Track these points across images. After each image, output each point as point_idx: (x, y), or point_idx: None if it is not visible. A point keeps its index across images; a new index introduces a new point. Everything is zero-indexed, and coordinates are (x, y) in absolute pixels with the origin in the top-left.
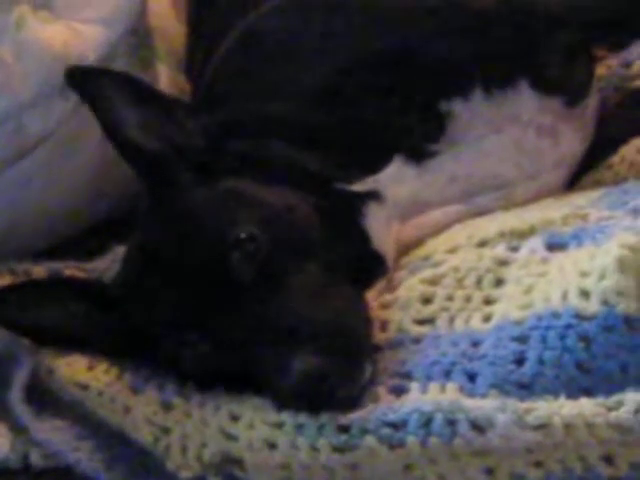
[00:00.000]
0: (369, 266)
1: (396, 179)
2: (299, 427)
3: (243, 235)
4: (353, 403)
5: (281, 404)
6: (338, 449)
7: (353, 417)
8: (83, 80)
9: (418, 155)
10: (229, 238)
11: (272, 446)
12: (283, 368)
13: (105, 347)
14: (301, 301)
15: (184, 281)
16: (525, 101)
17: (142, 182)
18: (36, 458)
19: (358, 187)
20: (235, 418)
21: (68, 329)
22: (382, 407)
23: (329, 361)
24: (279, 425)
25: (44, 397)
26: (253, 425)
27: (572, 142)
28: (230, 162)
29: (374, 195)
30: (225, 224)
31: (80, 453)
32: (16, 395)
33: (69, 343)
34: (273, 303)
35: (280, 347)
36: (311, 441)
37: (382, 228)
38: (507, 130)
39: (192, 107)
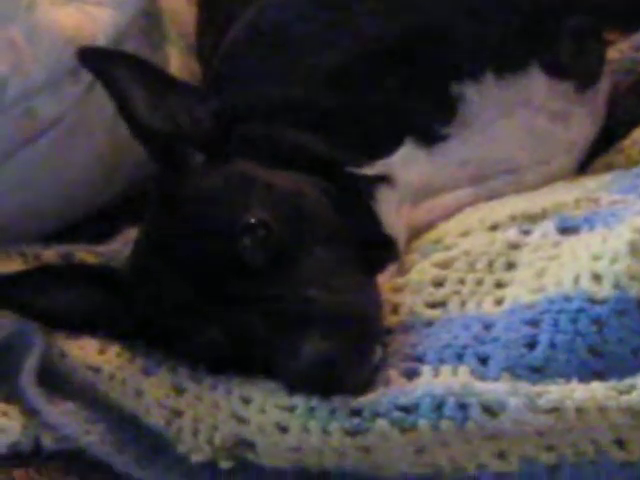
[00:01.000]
0: (381, 250)
1: (407, 162)
2: (311, 410)
3: (253, 220)
4: (363, 387)
5: (292, 388)
6: (350, 432)
7: (365, 400)
8: (95, 60)
9: (429, 138)
10: (239, 223)
11: (283, 430)
12: (293, 352)
13: (116, 332)
14: (311, 286)
15: (194, 266)
16: (536, 85)
17: (154, 164)
18: (47, 441)
19: (369, 171)
20: (246, 401)
21: (79, 313)
22: (394, 390)
23: (339, 345)
24: (291, 409)
25: (55, 380)
26: (264, 409)
27: (583, 126)
28: (240, 146)
29: (385, 179)
30: (235, 209)
31: (91, 436)
32: (27, 378)
33: (80, 327)
34: (283, 288)
35: (290, 332)
36: (323, 424)
37: (393, 212)
38: (518, 114)
39: (202, 91)
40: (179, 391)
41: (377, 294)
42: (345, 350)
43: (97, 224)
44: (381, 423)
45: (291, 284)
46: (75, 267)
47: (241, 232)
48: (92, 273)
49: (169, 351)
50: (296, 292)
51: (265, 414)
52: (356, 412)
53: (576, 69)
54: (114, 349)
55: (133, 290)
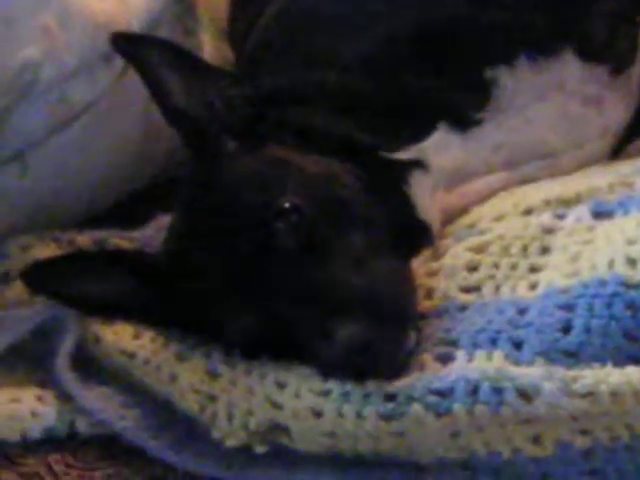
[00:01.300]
0: (415, 235)
1: (441, 147)
2: (345, 395)
3: (287, 205)
4: (398, 371)
5: (326, 373)
6: (384, 417)
7: (399, 385)
8: (128, 45)
9: (463, 123)
10: (273, 208)
11: (318, 414)
12: (327, 337)
13: (150, 318)
14: (345, 270)
15: (228, 251)
16: (570, 69)
17: (188, 148)
18: (82, 426)
19: (402, 155)
20: (281, 386)
21: (113, 300)
22: (428, 375)
23: (372, 329)
24: (325, 393)
25: (90, 365)
26: (299, 393)
27: (617, 110)
28: (274, 131)
29: (419, 164)
30: (268, 194)
31: (126, 421)
32: (62, 363)
33: (114, 313)
34: (317, 272)
35: (324, 316)
36: (357, 409)
37: (427, 197)
38: (552, 98)
39: (236, 76)
40: (213, 376)
41: (411, 279)
42: (379, 335)
43: (130, 210)
44: (416, 408)
45: (325, 268)
46: (109, 253)
47: (274, 217)
48: (126, 259)
49: (203, 336)
50: (330, 277)
51: (300, 399)
52: (391, 397)
53: (609, 53)
54: (148, 334)
55: (167, 275)
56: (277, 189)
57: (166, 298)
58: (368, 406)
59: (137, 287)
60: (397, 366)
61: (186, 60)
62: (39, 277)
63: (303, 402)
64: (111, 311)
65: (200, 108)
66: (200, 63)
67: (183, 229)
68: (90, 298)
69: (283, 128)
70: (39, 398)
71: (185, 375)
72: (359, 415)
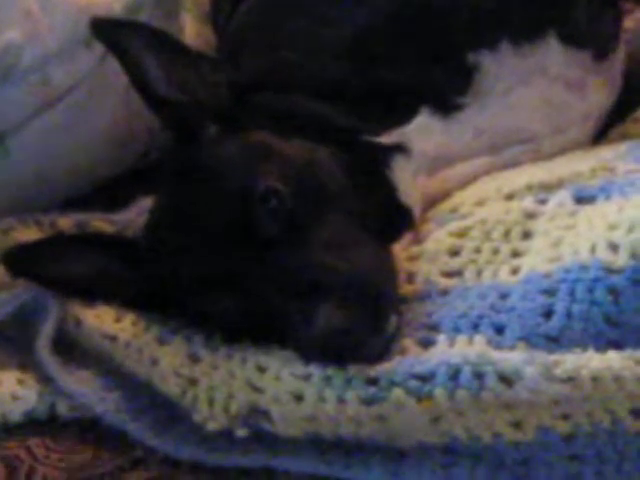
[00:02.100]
0: (396, 219)
1: (423, 132)
2: (327, 379)
3: (267, 190)
4: (378, 355)
5: (307, 357)
6: (366, 401)
7: (381, 369)
8: (108, 31)
9: (445, 108)
10: (254, 193)
11: (299, 398)
12: (307, 321)
13: (131, 301)
14: (325, 254)
15: (208, 235)
16: (553, 54)
17: (168, 134)
18: (63, 409)
19: (384, 139)
20: (262, 370)
21: (94, 283)
22: (410, 359)
23: (353, 314)
24: (306, 377)
25: (71, 348)
26: (280, 377)
27: (600, 96)
28: (254, 116)
29: (400, 148)
30: (249, 178)
31: (107, 404)
32: (43, 346)
33: (95, 296)
34: (297, 256)
35: (304, 300)
36: (338, 393)
37: (409, 181)
38: (535, 83)
39: (217, 60)
40: (194, 360)
41: (392, 263)
42: (359, 319)
43: (111, 193)
44: (397, 392)
45: (305, 253)
46: (90, 236)
47: (255, 201)
48: (107, 242)
49: (184, 319)
50: (310, 261)
51: (281, 382)
52: (372, 381)
53: (593, 38)
54: (129, 317)
55: (148, 258)
56: (257, 174)
57: (146, 281)
58: (349, 390)
59: (118, 270)
60: (378, 350)
61: (167, 45)
62: (20, 260)
63: (284, 386)
64: (92, 294)
65: (181, 94)
66: (181, 47)
67: (164, 213)
68: (71, 281)
69: (264, 113)
70: (19, 381)
71: (166, 359)
72: (340, 399)
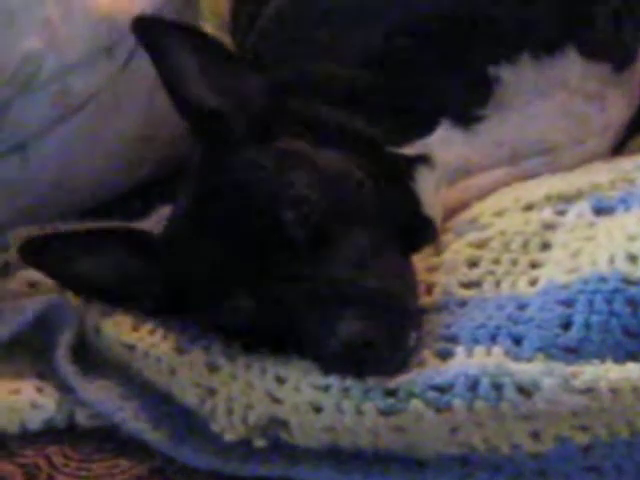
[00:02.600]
0: (419, 231)
1: (444, 143)
2: (345, 390)
3: (298, 196)
4: (397, 369)
5: (325, 367)
6: (384, 412)
7: (399, 380)
8: (148, 29)
9: (465, 119)
10: (284, 198)
11: (317, 409)
12: (328, 332)
13: (148, 302)
14: (350, 266)
15: (233, 237)
16: (572, 67)
17: (195, 136)
18: (81, 418)
19: (407, 151)
20: (281, 381)
21: (112, 281)
22: (428, 371)
23: (374, 327)
24: (325, 388)
25: (90, 357)
26: (299, 388)
27: (619, 107)
28: (287, 122)
29: (424, 159)
30: (280, 184)
31: (125, 413)
32: (62, 355)
33: (112, 297)
34: (323, 266)
35: (326, 310)
36: (357, 404)
37: (432, 193)
38: (554, 95)
39: (255, 64)
40: (213, 370)
41: (414, 277)
42: (380, 332)
43: (131, 202)
44: (416, 403)
45: (330, 263)
46: (108, 231)
47: (285, 207)
48: (126, 239)
49: (201, 326)
50: (335, 272)
51: (299, 393)
52: (391, 392)
53: (613, 50)
54: (147, 326)
55: (169, 257)
56: (288, 180)
57: (166, 281)
58: (368, 401)
59: (137, 268)
60: (396, 365)
61: (209, 47)
62: (36, 251)
63: (303, 397)
64: (108, 293)
65: (217, 94)
66: (223, 50)
67: (189, 213)
68: (87, 278)
69: (294, 120)
70: (39, 389)
71: (184, 368)
72: (359, 410)
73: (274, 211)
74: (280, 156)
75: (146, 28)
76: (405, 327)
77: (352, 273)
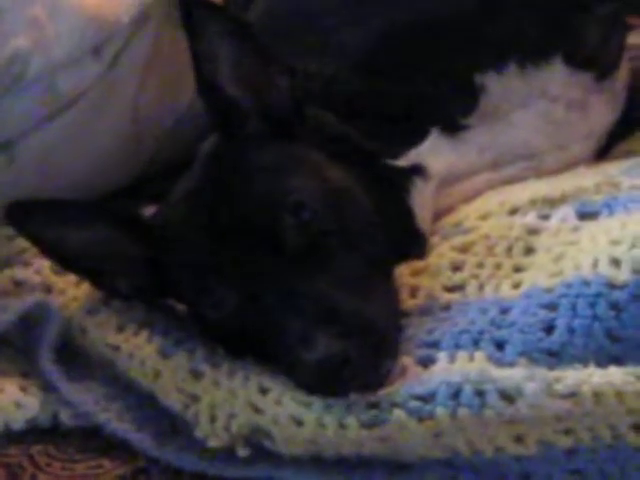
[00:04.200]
0: (409, 244)
1: (434, 152)
2: (327, 407)
3: (300, 203)
4: (367, 391)
5: (297, 381)
6: (367, 425)
7: (381, 392)
8: (192, 7)
9: (452, 128)
10: (287, 202)
11: (299, 423)
12: (307, 343)
13: (128, 282)
14: (337, 283)
15: (228, 232)
16: (556, 76)
17: (212, 124)
18: (65, 417)
19: (403, 162)
20: (264, 391)
21: (94, 255)
22: (410, 380)
23: (352, 347)
24: (307, 403)
25: (75, 357)
26: (281, 401)
27: (602, 114)
28: (304, 128)
29: (418, 170)
30: (286, 188)
31: (109, 413)
32: (46, 354)
33: (94, 273)
34: (310, 278)
35: (307, 322)
36: (339, 419)
37: (426, 205)
38: (536, 104)
39: (285, 65)
40: (196, 375)
41: (397, 306)
42: (357, 353)
43: (116, 202)
44: (398, 413)
45: (318, 276)
46: (97, 206)
47: (287, 211)
48: (116, 217)
49: (186, 330)
50: (321, 285)
51: (281, 406)
52: (373, 404)
53: (598, 59)
54: (132, 327)
55: (159, 240)
56: (295, 185)
57: (151, 263)
58: (350, 415)
59: (126, 246)
60: (369, 386)
61: (246, 37)
62: (23, 215)
63: (284, 409)
64: (89, 270)
65: (241, 87)
66: (259, 43)
67: (188, 199)
68: (69, 249)
69: (309, 126)
70: (23, 388)
71: (168, 373)
72: (341, 425)
73: (275, 213)
74: (289, 159)
75: (190, 5)
76: (381, 353)
77: (338, 291)
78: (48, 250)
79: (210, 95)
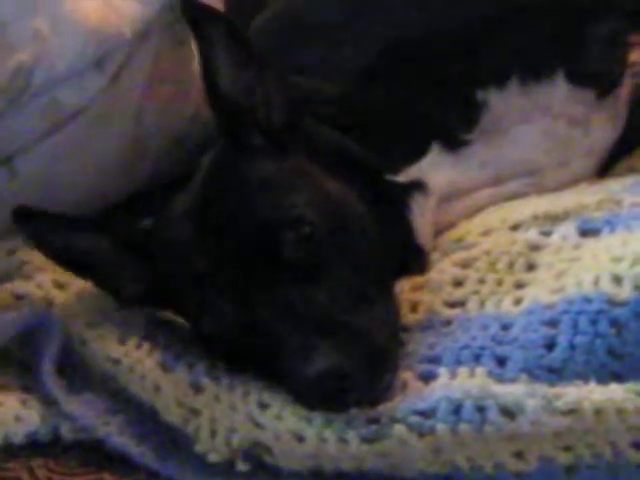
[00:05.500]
0: (410, 261)
1: (434, 167)
2: (327, 421)
3: (300, 217)
4: (368, 403)
5: (297, 393)
6: (367, 440)
7: (381, 407)
8: (196, 13)
9: (453, 143)
10: (287, 217)
11: (300, 438)
12: (305, 358)
13: (128, 289)
14: (336, 298)
15: (228, 245)
16: (558, 92)
17: (219, 133)
18: (66, 431)
19: (403, 178)
20: (264, 406)
21: (95, 263)
22: (411, 395)
23: (350, 363)
24: (307, 418)
25: (75, 371)
26: (281, 416)
27: (603, 131)
28: (301, 141)
29: (419, 185)
30: (286, 202)
31: (110, 427)
32: (47, 367)
33: (95, 278)
34: (309, 292)
35: (306, 336)
36: (339, 434)
37: (426, 221)
38: (538, 120)
39: (283, 77)
40: (197, 389)
41: (397, 320)
42: (356, 368)
43: (117, 215)
44: (399, 429)
45: (317, 290)
46: (100, 221)
47: (286, 225)
48: (116, 230)
49: (187, 344)
50: (320, 300)
51: (282, 421)
52: (373, 419)
53: (600, 76)
54: (133, 340)
55: (158, 253)
56: (295, 199)
57: (150, 273)
58: (351, 430)
59: (123, 257)
60: (367, 400)
61: (244, 46)
62: (30, 220)
63: (285, 425)
64: (92, 275)
65: (241, 95)
66: (256, 54)
67: (188, 212)
68: (73, 256)
69: (306, 139)
70: (23, 402)
71: (169, 387)
72: (342, 440)
73: (274, 228)
74: (289, 172)
75: (193, 11)
76: (381, 367)
77: (337, 306)
78: (51, 253)
79: (216, 101)
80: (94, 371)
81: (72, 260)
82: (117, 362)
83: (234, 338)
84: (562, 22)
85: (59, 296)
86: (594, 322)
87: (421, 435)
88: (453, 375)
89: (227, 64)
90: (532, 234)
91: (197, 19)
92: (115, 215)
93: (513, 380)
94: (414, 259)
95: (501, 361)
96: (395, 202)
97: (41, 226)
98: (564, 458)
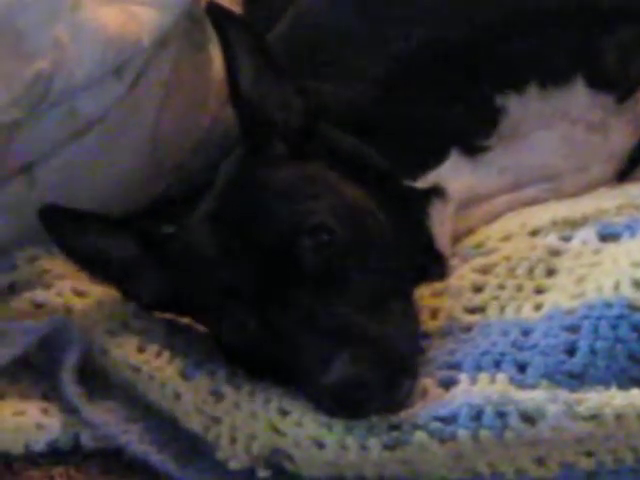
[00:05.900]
0: (430, 267)
1: (454, 173)
2: (348, 428)
3: (319, 225)
4: (389, 412)
5: (316, 400)
6: (389, 447)
7: (403, 414)
8: (220, 17)
9: (472, 149)
10: (305, 224)
11: (320, 445)
12: (322, 368)
13: (148, 296)
14: (355, 306)
15: (248, 252)
16: (578, 97)
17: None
18: (86, 439)
19: (422, 184)
20: (284, 413)
21: (117, 266)
22: (432, 402)
23: (369, 371)
24: (328, 425)
25: (96, 378)
26: (302, 423)
27: (622, 136)
28: (319, 147)
29: (437, 191)
30: (305, 209)
31: (130, 435)
32: (67, 376)
33: (117, 281)
34: (327, 300)
35: (324, 345)
36: (361, 440)
37: (445, 227)
38: (556, 126)
39: (301, 86)
40: (217, 397)
41: (417, 326)
42: (374, 377)
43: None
44: (420, 435)
45: (336, 298)
46: (124, 223)
47: (305, 233)
48: (139, 234)
49: (207, 352)
50: (339, 308)
51: (302, 428)
52: (395, 426)
53: (619, 81)
54: (153, 348)
55: (178, 260)
56: (314, 206)
57: (169, 280)
58: (372, 437)
59: (144, 262)
60: (386, 409)
61: (264, 53)
62: (55, 219)
63: (306, 432)
64: (113, 278)
65: (261, 99)
66: (276, 61)
67: (208, 218)
68: (94, 254)
69: (324, 145)
70: (44, 410)
71: (189, 394)
72: (363, 446)
73: (293, 235)
74: (308, 180)
75: (218, 15)
76: (400, 374)
77: (356, 314)
78: (75, 254)
79: (240, 105)
80: (114, 379)
81: (94, 261)
82: (137, 370)
83: (253, 346)
84: (581, 27)
85: (79, 304)
86: (615, 327)
87: (442, 441)
88: (474, 381)
89: (248, 67)
90: (552, 239)
91: (220, 21)
92: (139, 220)
93: (534, 386)
94: (433, 265)
95: (522, 367)
96: (414, 208)
97: (66, 225)
98: (585, 464)
